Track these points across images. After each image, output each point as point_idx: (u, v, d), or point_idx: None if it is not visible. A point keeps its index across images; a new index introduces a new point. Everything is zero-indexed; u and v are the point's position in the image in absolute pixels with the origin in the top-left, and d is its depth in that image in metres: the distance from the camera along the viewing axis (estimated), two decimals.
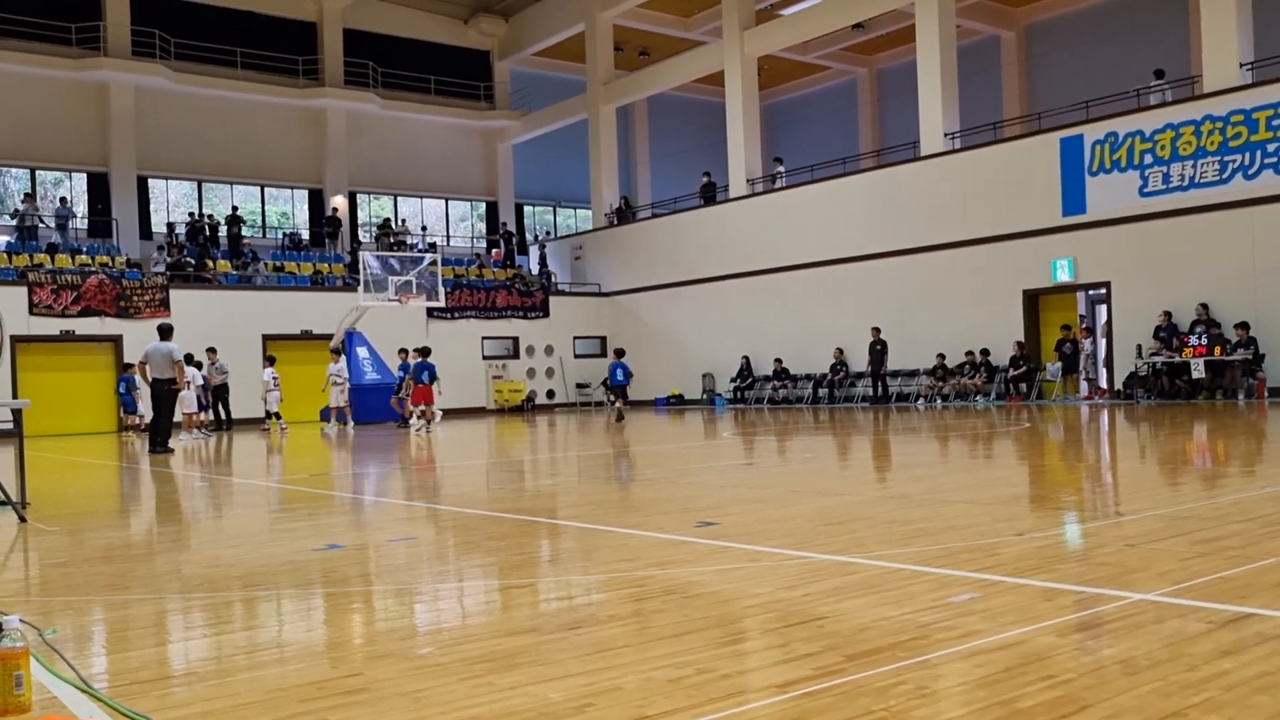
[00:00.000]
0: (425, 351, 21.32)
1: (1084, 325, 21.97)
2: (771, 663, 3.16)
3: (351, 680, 3.09)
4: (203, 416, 21.60)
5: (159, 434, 15.63)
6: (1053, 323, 22.18)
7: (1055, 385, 21.77)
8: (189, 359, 20.21)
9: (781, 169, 29.05)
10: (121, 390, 23.45)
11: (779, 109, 36.25)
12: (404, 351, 23.03)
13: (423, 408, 20.55)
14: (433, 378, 20.61)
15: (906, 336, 23.96)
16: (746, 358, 27.62)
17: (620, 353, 22.48)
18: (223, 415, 22.67)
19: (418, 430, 19.75)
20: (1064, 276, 21.49)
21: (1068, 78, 27.85)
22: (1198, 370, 19.01)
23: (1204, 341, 19.00)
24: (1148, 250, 20.20)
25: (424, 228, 34.22)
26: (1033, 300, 22.41)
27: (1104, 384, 21.44)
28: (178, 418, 20.25)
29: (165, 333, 15.92)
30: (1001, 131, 24.95)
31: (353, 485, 10.27)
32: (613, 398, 22.11)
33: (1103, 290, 21.36)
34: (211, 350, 22.65)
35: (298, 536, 6.43)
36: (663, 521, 6.22)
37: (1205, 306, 19.26)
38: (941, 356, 23.22)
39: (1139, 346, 20.14)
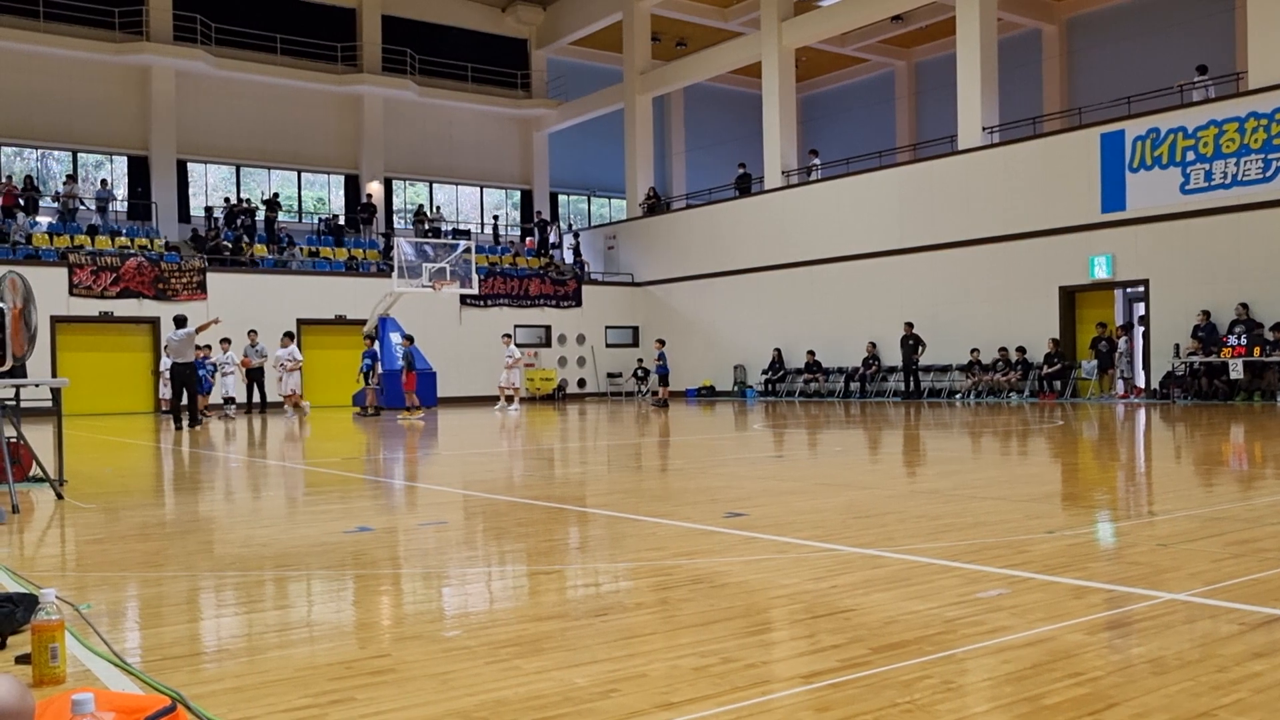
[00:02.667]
0: (410, 339, 22.20)
1: (1120, 323, 21.75)
2: (797, 653, 3.16)
3: (379, 661, 3.12)
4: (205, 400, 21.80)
5: (188, 413, 17.53)
6: (1089, 320, 21.96)
7: (1091, 383, 21.56)
8: (292, 337, 22.01)
9: (817, 161, 28.90)
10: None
11: (816, 101, 36.05)
12: (369, 339, 23.19)
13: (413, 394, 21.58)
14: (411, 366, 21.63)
15: (940, 332, 23.80)
16: (778, 350, 27.54)
17: (662, 343, 24.03)
18: (255, 397, 22.83)
19: (400, 419, 20.07)
20: (1102, 274, 21.26)
21: (1109, 72, 27.51)
22: (1236, 371, 18.76)
23: (1243, 342, 18.74)
24: (1188, 248, 19.94)
25: (473, 224, 34.36)
26: (1069, 297, 22.20)
27: (1140, 383, 21.21)
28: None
29: (183, 323, 17.49)
30: (1041, 126, 24.69)
31: (383, 470, 10.34)
32: (658, 389, 23.65)
33: (1141, 288, 21.11)
34: (252, 333, 22.84)
35: (329, 518, 6.49)
36: (691, 511, 6.23)
37: (1245, 306, 18.99)
38: (975, 352, 23.06)
39: (1176, 346, 19.90)
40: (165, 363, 22.85)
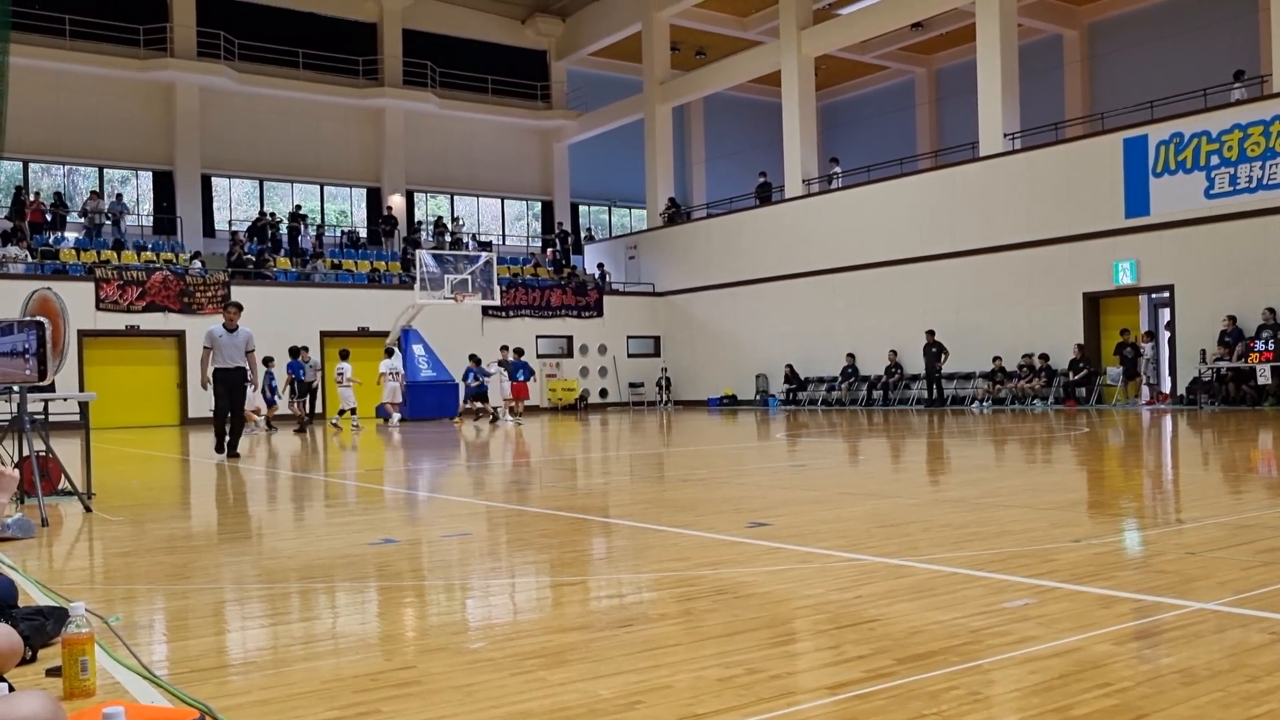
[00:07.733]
0: (519, 351, 24.07)
1: (1145, 329, 21.59)
2: (822, 664, 3.15)
3: (405, 673, 3.13)
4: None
5: (230, 435, 13.14)
6: (1114, 326, 21.81)
7: (1116, 390, 21.40)
8: (397, 355, 22.20)
9: (838, 169, 28.87)
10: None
11: (836, 109, 36.02)
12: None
13: (518, 403, 23.34)
14: (528, 375, 23.39)
15: (963, 339, 23.69)
16: (800, 359, 27.47)
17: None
18: (306, 412, 22.63)
19: (507, 422, 21.55)
20: (1126, 279, 21.12)
21: (1132, 77, 27.37)
22: (1263, 376, 18.58)
23: (1270, 347, 18.57)
24: (1213, 253, 19.79)
25: (494, 236, 34.45)
26: (1093, 303, 22.05)
27: (1166, 389, 21.04)
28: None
29: (239, 311, 13.54)
30: (1063, 132, 24.58)
31: (408, 481, 10.37)
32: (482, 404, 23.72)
33: (1166, 294, 20.96)
34: (304, 349, 22.75)
35: (353, 530, 6.51)
36: (714, 521, 6.22)
37: (1272, 311, 18.82)
38: (998, 359, 22.93)
39: (1203, 351, 19.74)
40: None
